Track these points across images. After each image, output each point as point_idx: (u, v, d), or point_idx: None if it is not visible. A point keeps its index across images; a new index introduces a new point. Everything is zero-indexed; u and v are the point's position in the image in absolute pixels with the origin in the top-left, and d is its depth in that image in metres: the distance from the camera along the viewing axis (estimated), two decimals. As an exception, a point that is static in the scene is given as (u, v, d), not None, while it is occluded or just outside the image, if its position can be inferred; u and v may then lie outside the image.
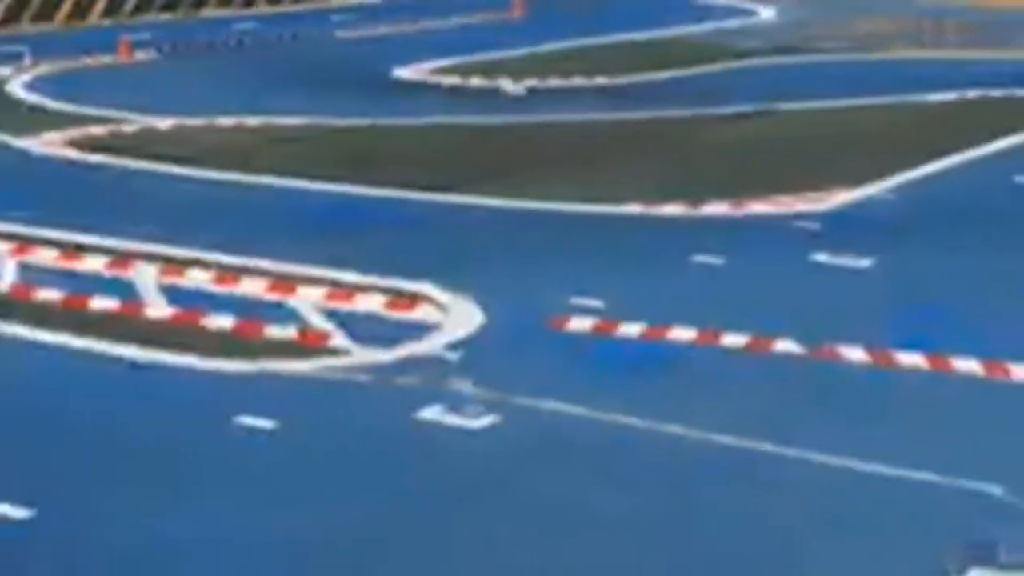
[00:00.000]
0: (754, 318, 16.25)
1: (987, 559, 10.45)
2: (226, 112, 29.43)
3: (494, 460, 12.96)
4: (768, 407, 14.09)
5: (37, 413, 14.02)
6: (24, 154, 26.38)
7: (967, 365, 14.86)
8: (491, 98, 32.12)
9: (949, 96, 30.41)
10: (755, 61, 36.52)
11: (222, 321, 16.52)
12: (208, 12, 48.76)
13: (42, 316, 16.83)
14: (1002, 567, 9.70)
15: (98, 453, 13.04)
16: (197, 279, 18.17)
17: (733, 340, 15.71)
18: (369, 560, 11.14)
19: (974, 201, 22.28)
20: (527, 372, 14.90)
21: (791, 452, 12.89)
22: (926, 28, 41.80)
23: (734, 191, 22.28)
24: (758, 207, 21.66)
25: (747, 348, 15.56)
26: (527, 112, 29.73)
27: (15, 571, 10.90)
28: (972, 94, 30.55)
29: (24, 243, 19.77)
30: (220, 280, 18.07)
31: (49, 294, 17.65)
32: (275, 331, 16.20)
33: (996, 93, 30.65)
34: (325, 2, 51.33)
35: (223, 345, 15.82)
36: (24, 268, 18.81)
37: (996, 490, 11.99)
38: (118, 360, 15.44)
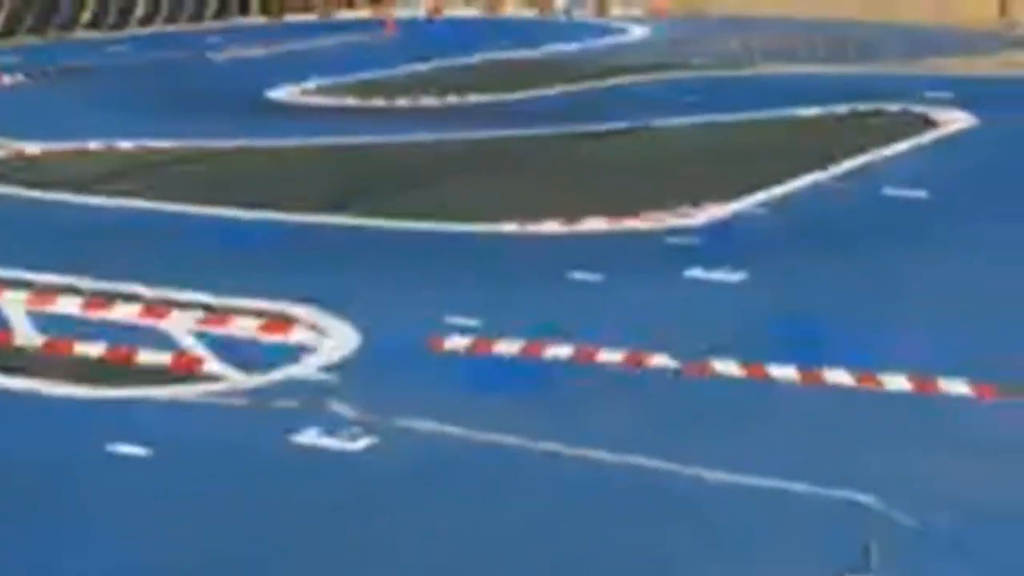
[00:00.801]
0: (630, 334, 16.35)
1: (860, 568, 10.59)
2: (98, 136, 29.07)
3: (370, 482, 12.91)
4: (645, 422, 14.18)
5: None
6: None
7: (839, 376, 15.05)
8: (365, 118, 32.06)
9: (818, 111, 30.86)
10: (628, 78, 36.79)
11: (93, 348, 16.29)
12: (79, 35, 48.14)
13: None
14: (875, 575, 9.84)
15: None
16: (67, 306, 17.91)
17: (610, 356, 15.80)
18: (249, 583, 11.07)
19: (844, 213, 22.62)
20: (404, 393, 14.86)
21: (667, 466, 12.98)
22: (798, 44, 42.38)
23: (610, 208, 22.41)
24: (634, 223, 21.82)
25: (624, 364, 15.65)
26: (402, 132, 29.71)
27: None
28: (841, 108, 31.02)
29: None
30: (91, 306, 17.83)
31: (-86, 324, 17.35)
32: (148, 356, 16.01)
33: (864, 107, 31.14)
34: (198, 24, 50.94)
35: (95, 372, 15.60)
36: None
37: (868, 499, 12.15)
38: (-14, 390, 15.19)
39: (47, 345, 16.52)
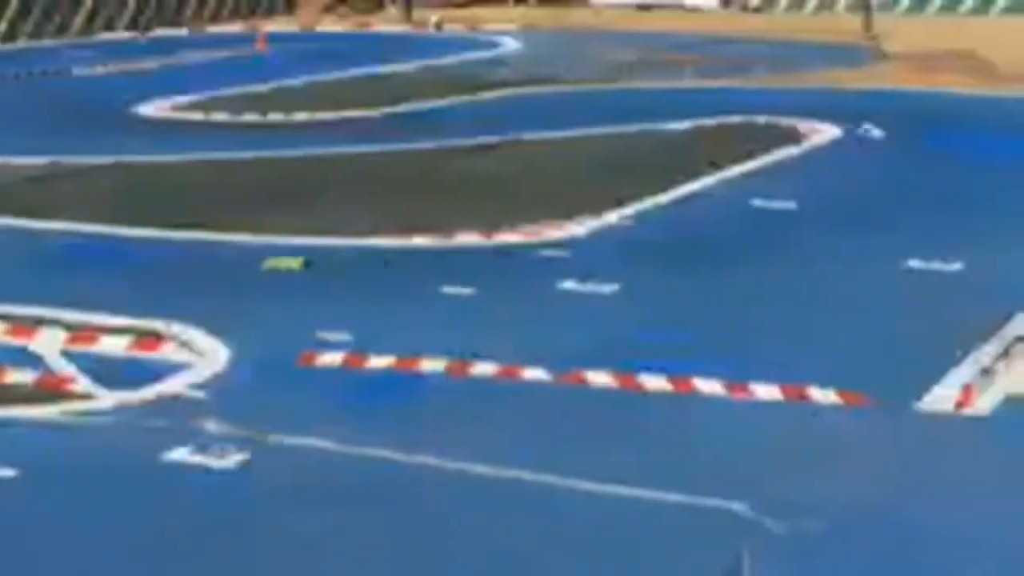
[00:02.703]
0: (504, 347, 16.39)
1: (733, 573, 10.70)
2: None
3: (242, 499, 12.81)
4: (520, 435, 14.21)
5: None
6: None
7: (709, 386, 15.20)
8: (236, 133, 31.82)
9: (687, 124, 31.17)
10: (499, 93, 36.90)
11: (-38, 368, 16.01)
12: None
13: None
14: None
15: None
16: (-66, 325, 17.59)
17: (484, 369, 15.82)
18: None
19: (713, 225, 22.86)
20: (276, 409, 14.76)
21: (543, 478, 13.02)
22: (667, 59, 42.78)
23: (482, 222, 22.45)
24: (507, 237, 21.87)
25: (498, 377, 15.67)
26: (273, 147, 29.53)
27: None
28: (709, 122, 31.36)
29: None
30: (-49, 325, 17.51)
31: None
32: (14, 376, 15.75)
33: (734, 120, 31.51)
34: (61, 39, 50.25)
35: (-41, 392, 15.33)
36: None
37: (739, 507, 12.28)
38: None
39: (-90, 366, 16.22)
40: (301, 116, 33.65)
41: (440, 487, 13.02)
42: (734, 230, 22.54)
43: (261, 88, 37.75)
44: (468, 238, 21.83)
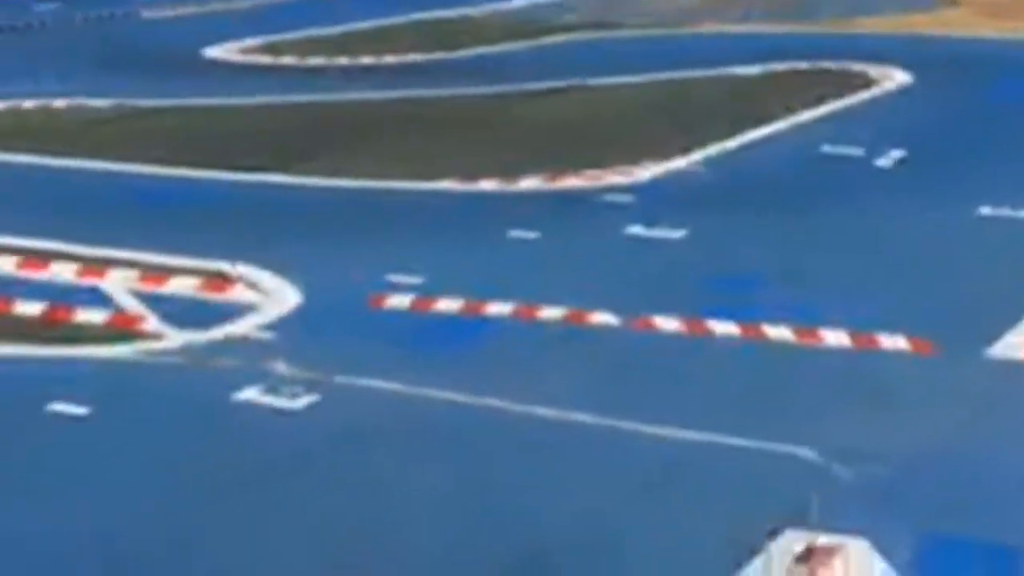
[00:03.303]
0: (571, 291, 16.38)
1: (802, 519, 10.69)
2: (32, 95, 28.74)
3: (312, 439, 12.90)
4: (587, 378, 14.23)
5: None
6: None
7: (778, 332, 15.16)
8: (303, 77, 31.85)
9: (756, 69, 30.92)
10: (565, 37, 36.71)
11: (32, 307, 16.16)
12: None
13: None
14: (813, 527, 9.93)
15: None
16: (3, 265, 17.75)
17: (550, 313, 15.83)
18: (183, 541, 11.02)
19: (782, 171, 22.72)
20: (345, 351, 14.83)
21: (608, 422, 13.04)
22: (734, 3, 42.37)
23: (547, 166, 22.40)
24: (572, 181, 21.82)
25: (565, 321, 15.68)
26: (340, 91, 29.54)
27: None
28: (779, 66, 31.09)
29: None
30: (28, 265, 17.67)
31: None
32: (87, 315, 15.90)
33: (803, 65, 31.23)
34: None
35: (34, 331, 15.48)
36: None
37: (807, 453, 12.27)
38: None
39: (-16, 305, 16.43)
40: (367, 60, 33.62)
41: (505, 430, 13.07)
42: (802, 176, 22.40)
43: (330, 31, 37.71)
44: (533, 182, 21.80)
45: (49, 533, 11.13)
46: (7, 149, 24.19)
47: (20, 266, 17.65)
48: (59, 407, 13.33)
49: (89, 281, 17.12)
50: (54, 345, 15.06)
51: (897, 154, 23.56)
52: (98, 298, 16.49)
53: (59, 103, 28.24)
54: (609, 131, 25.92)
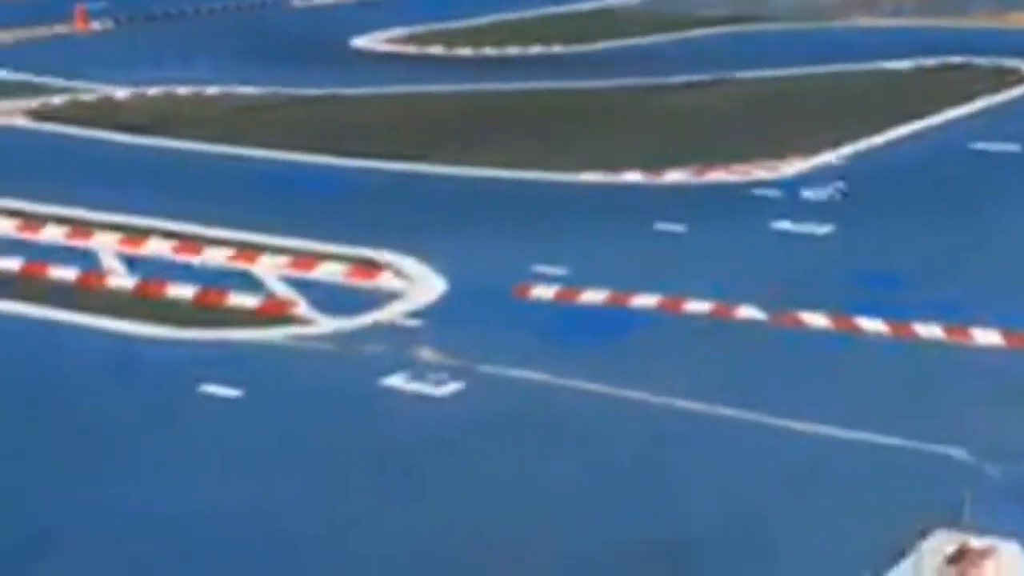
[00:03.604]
0: (717, 285, 16.32)
1: (951, 521, 10.57)
2: (184, 82, 29.27)
3: (457, 427, 13.01)
4: (732, 373, 14.17)
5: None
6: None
7: (929, 330, 14.97)
8: (449, 67, 32.05)
9: (906, 64, 30.51)
10: (710, 30, 36.52)
11: (185, 290, 16.47)
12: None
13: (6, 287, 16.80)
14: (965, 529, 9.81)
15: (62, 421, 12.99)
16: (159, 248, 18.12)
17: (696, 307, 15.78)
18: (335, 524, 11.18)
19: (931, 167, 22.42)
20: (490, 340, 14.92)
21: (755, 417, 12.98)
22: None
23: (693, 159, 22.32)
24: (717, 175, 21.73)
25: (710, 315, 15.63)
26: (485, 82, 29.67)
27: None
28: (929, 62, 30.66)
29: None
30: (182, 249, 18.01)
31: (6, 264, 17.60)
32: (239, 299, 16.17)
33: (954, 60, 30.77)
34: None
35: (187, 314, 15.78)
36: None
37: (958, 452, 12.11)
38: (81, 330, 15.41)
39: (139, 287, 16.74)
40: (513, 50, 33.73)
41: (648, 422, 13.07)
42: (953, 172, 22.09)
43: (479, 21, 37.90)
44: (679, 176, 21.74)
45: (204, 514, 11.34)
46: (163, 135, 24.66)
47: (175, 250, 17.99)
48: (212, 389, 13.58)
49: (241, 265, 17.41)
50: (207, 328, 15.33)
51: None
52: (250, 283, 16.76)
53: (211, 90, 28.74)
54: (755, 125, 25.74)
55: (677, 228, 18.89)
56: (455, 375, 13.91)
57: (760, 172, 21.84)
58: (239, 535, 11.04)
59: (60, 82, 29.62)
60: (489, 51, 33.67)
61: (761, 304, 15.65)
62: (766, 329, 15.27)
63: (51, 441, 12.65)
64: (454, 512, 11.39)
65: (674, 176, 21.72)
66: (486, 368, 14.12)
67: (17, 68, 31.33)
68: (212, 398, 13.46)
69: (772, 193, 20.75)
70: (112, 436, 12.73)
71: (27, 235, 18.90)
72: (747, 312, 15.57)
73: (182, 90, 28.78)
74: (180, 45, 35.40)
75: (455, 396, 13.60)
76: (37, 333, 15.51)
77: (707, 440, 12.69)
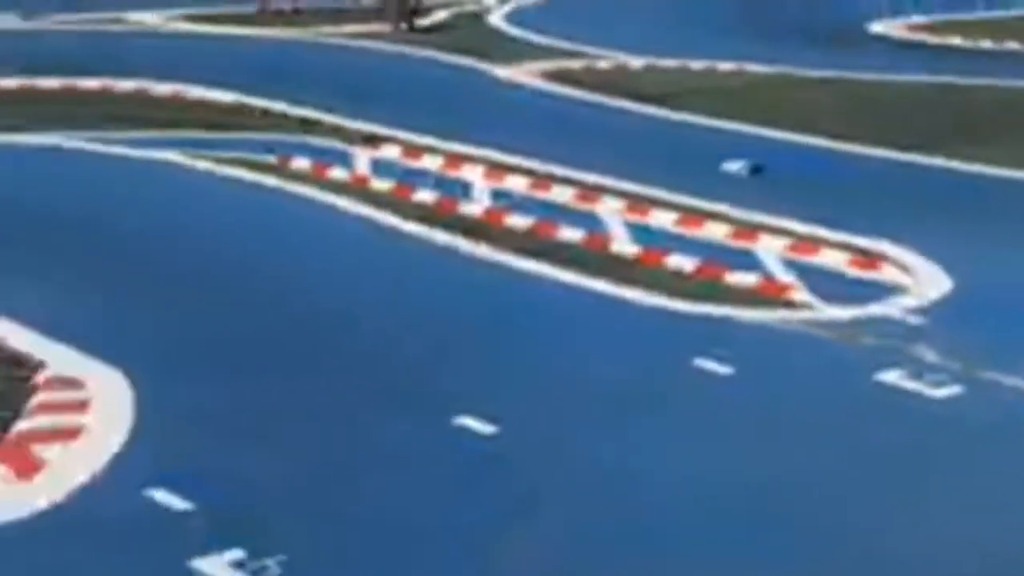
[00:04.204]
0: None
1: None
2: (698, 56, 29.50)
3: (950, 432, 12.59)
4: None
5: (517, 340, 14.42)
6: (500, 83, 27.23)
7: None
8: (970, 59, 31.05)
9: None
10: None
11: (684, 263, 16.60)
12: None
13: (514, 242, 17.35)
14: None
15: (563, 384, 13.30)
16: (662, 219, 18.33)
17: None
18: (829, 510, 11.04)
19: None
20: (997, 345, 14.32)
21: None
22: None
23: None
24: None
25: None
26: (1010, 76, 28.54)
27: (479, 481, 11.31)
28: None
29: (495, 170, 20.44)
30: (684, 222, 18.16)
31: (519, 221, 18.17)
32: (737, 278, 16.17)
33: None
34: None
35: (684, 288, 15.90)
36: (496, 194, 19.44)
37: None
38: (586, 291, 15.77)
39: (641, 256, 16.98)
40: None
41: None
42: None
43: (1004, 14, 36.56)
44: None
45: (698, 475, 11.47)
46: (677, 107, 24.90)
47: (677, 223, 18.16)
48: (705, 364, 13.63)
49: (741, 244, 17.40)
50: (704, 303, 15.40)
51: None
52: (750, 262, 16.72)
53: (724, 66, 28.85)
54: None
55: None
56: (955, 378, 13.47)
57: None
58: (742, 499, 11.10)
59: (577, 48, 30.42)
60: (1014, 45, 32.42)
61: None
62: None
63: (553, 402, 13.00)
64: (944, 515, 11.05)
65: None
66: (989, 374, 13.60)
67: (537, 32, 32.38)
68: (705, 373, 13.51)
69: None
70: (602, 399, 12.92)
71: (539, 193, 19.49)
72: None
73: (695, 64, 29.02)
74: (696, 20, 35.71)
75: (952, 399, 13.17)
76: (547, 290, 15.90)
77: None
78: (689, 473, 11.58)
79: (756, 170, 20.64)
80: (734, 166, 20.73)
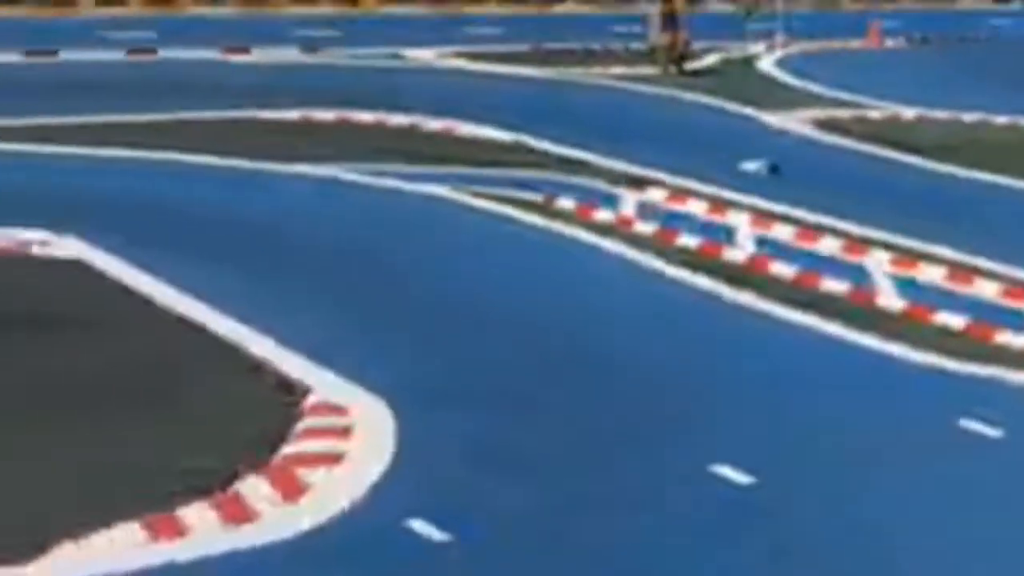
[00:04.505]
0: None
1: None
2: (973, 109, 28.90)
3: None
4: None
5: (779, 392, 14.29)
6: (769, 129, 27.10)
7: None
8: None
9: None
10: None
11: (954, 319, 16.24)
12: (963, 4, 47.96)
13: (777, 291, 17.22)
14: None
15: (822, 437, 13.11)
16: (929, 274, 17.99)
17: None
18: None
19: None
20: None
21: None
22: None
23: None
24: None
25: None
26: None
27: (733, 529, 11.23)
28: None
29: (759, 216, 20.33)
30: (953, 278, 17.79)
31: (782, 269, 18.03)
32: (1007, 337, 15.74)
33: None
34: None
35: (953, 344, 15.55)
36: (760, 242, 19.32)
37: None
38: (849, 345, 15.55)
39: (908, 310, 16.67)
40: None
41: None
42: None
43: None
44: None
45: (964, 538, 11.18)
46: (954, 162, 24.37)
47: (946, 278, 17.79)
48: (972, 425, 13.29)
49: (1012, 303, 16.95)
50: (972, 362, 15.02)
51: None
52: (1020, 322, 16.26)
53: (998, 119, 28.20)
54: None
55: None
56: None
57: None
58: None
59: (848, 97, 30.09)
60: None
61: None
62: None
63: (814, 455, 12.85)
64: None
65: None
66: None
67: (808, 79, 32.12)
68: (970, 434, 13.17)
69: None
70: (849, 453, 12.68)
71: (803, 243, 19.31)
72: None
73: (968, 117, 28.43)
74: (971, 71, 35.01)
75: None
76: (813, 344, 15.74)
77: None
78: (955, 536, 11.30)
79: (774, 169, 20.58)
80: (752, 166, 20.68)
